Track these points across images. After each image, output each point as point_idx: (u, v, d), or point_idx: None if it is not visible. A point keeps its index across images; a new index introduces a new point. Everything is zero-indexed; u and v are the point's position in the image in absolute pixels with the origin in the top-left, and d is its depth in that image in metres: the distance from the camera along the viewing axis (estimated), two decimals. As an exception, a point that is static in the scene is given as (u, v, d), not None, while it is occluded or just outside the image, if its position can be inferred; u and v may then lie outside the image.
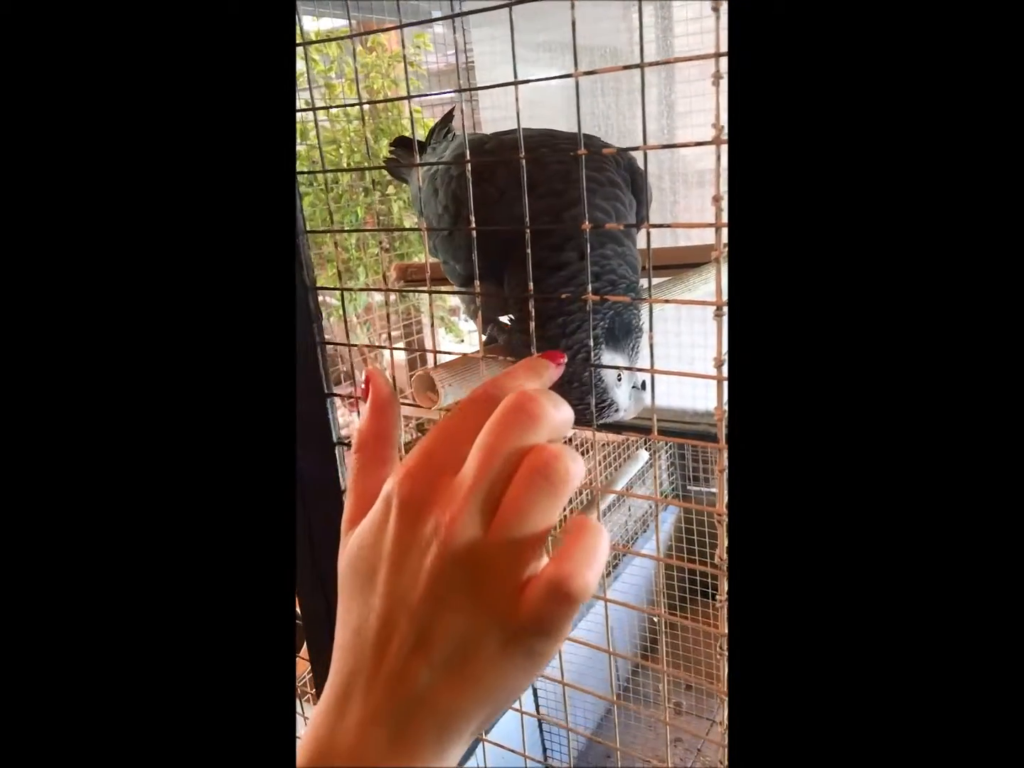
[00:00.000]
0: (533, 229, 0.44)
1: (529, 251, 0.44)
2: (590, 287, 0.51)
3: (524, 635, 0.30)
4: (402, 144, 1.00)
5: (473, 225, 0.47)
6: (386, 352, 0.55)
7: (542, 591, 0.30)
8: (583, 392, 0.57)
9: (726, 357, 0.35)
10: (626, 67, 0.37)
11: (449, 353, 0.57)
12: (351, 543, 0.34)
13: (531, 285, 0.45)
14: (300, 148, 2.41)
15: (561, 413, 0.33)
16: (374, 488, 0.34)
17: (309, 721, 0.32)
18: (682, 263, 0.88)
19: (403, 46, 0.46)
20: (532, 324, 0.46)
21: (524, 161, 0.43)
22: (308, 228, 0.59)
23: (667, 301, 0.40)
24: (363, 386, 0.39)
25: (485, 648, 0.30)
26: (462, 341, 3.49)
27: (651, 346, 0.42)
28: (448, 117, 0.96)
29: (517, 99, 0.42)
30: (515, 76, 0.42)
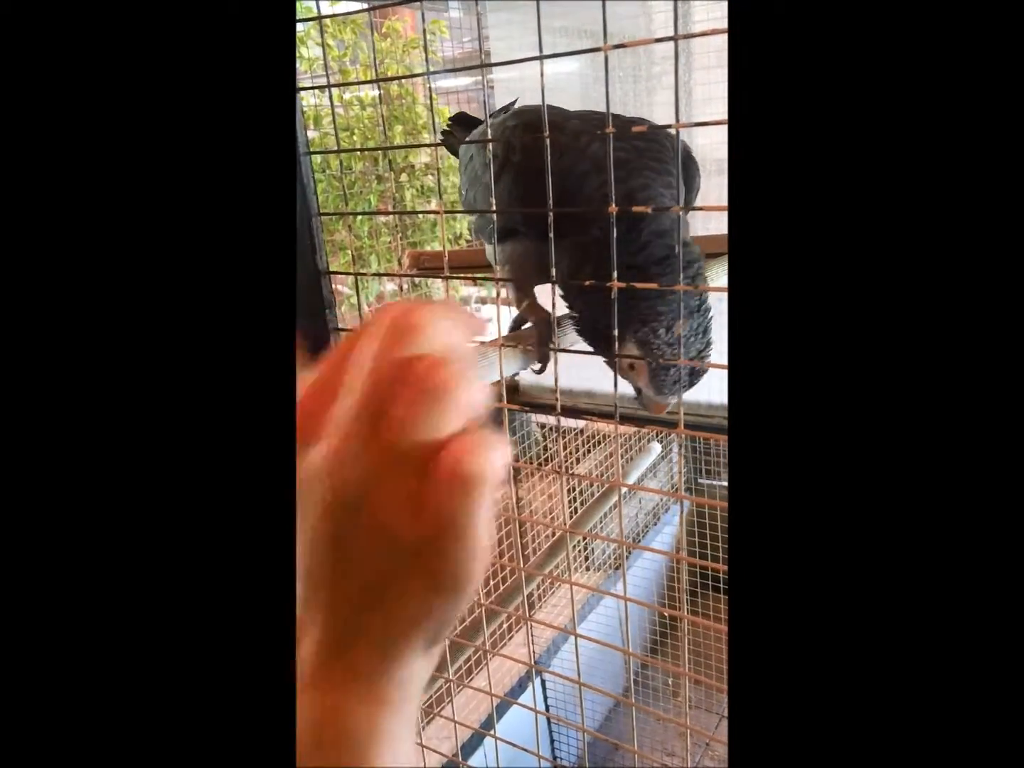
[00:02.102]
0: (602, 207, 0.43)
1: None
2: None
3: (432, 549, 0.29)
4: (460, 121, 1.04)
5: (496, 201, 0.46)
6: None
7: (440, 485, 0.29)
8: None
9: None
10: (659, 40, 0.36)
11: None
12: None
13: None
14: (314, 135, 2.40)
15: (446, 323, 0.31)
16: None
17: None
18: (706, 252, 0.86)
19: (423, 19, 0.44)
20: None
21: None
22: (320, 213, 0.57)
23: (695, 288, 0.39)
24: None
25: (398, 567, 0.30)
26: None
27: (679, 336, 0.40)
28: (511, 104, 1.01)
29: (543, 74, 0.40)
30: (540, 50, 0.40)
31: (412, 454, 0.29)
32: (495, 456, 0.29)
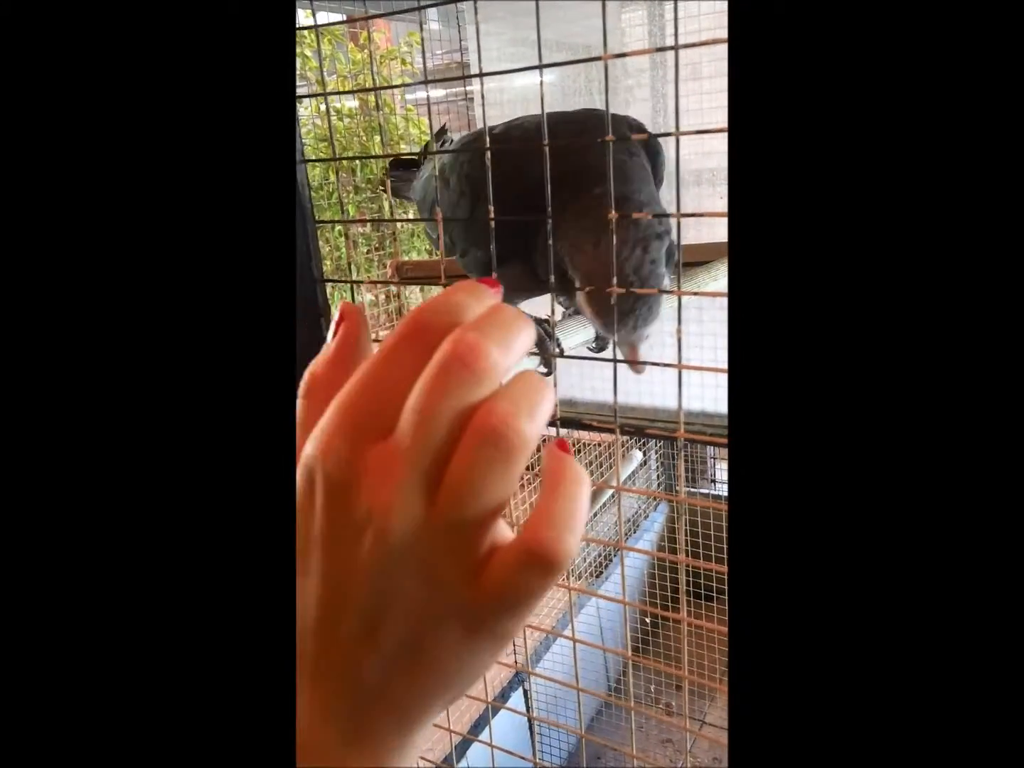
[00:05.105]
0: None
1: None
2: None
3: (491, 617, 0.27)
4: (398, 165, 1.02)
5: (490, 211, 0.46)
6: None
7: (513, 563, 0.27)
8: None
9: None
10: (659, 49, 0.37)
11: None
12: None
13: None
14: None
15: (509, 356, 0.28)
16: None
17: None
18: (692, 261, 0.87)
19: (418, 30, 0.44)
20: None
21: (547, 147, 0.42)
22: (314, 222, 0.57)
23: (695, 293, 0.40)
24: (335, 321, 0.33)
25: (445, 636, 0.27)
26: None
27: (679, 341, 0.41)
28: (443, 129, 0.99)
29: (541, 83, 0.41)
30: (540, 60, 0.41)
31: (478, 518, 0.26)
32: (579, 530, 0.27)
